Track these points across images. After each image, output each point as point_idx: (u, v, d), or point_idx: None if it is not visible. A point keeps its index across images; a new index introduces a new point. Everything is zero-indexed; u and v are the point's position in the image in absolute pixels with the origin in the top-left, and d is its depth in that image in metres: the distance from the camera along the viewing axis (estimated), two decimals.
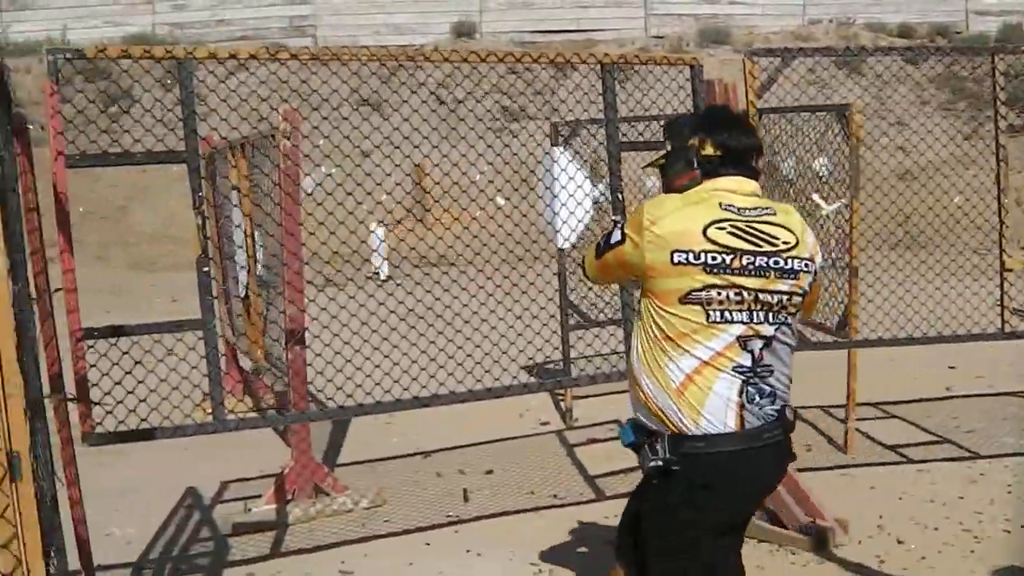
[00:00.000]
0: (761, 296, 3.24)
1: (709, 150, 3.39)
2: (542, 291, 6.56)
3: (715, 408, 3.23)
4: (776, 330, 3.30)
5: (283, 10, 22.09)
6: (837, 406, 7.63)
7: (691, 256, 3.19)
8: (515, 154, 7.05)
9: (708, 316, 3.22)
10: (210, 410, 6.23)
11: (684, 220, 3.24)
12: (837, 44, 21.18)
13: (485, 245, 5.66)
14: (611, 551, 5.52)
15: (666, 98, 5.77)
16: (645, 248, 3.26)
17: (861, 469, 6.86)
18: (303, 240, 5.67)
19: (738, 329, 3.23)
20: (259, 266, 7.31)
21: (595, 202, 7.60)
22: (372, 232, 13.23)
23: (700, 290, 3.20)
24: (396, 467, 7.29)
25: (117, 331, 4.27)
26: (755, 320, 3.25)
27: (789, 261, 3.29)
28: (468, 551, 5.61)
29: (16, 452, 2.69)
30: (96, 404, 4.16)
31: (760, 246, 3.25)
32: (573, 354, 7.83)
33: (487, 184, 5.75)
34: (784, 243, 3.30)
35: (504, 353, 5.73)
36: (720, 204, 3.28)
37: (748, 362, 3.26)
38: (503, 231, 6.04)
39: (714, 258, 3.19)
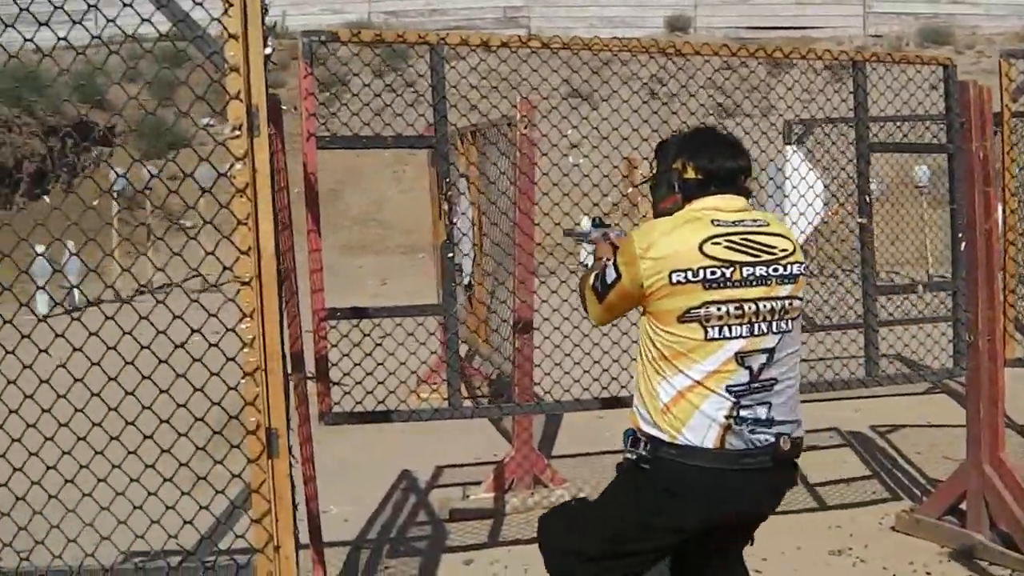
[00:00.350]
0: (762, 305, 3.20)
1: (691, 173, 3.34)
2: None
3: (697, 425, 3.18)
4: (780, 339, 3.25)
5: (497, 0, 22.29)
6: None
7: (690, 274, 3.15)
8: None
9: (707, 333, 3.17)
10: (425, 396, 6.26)
11: (677, 241, 3.20)
12: None
13: None
14: (835, 560, 5.39)
15: (901, 98, 5.52)
16: (643, 276, 3.20)
17: None
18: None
19: (737, 345, 3.18)
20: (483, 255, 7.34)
21: (825, 204, 7.38)
22: (578, 224, 13.04)
23: (698, 307, 3.16)
24: (610, 462, 7.18)
25: (359, 313, 4.32)
26: (756, 332, 3.20)
27: (788, 267, 3.27)
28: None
29: (274, 429, 2.72)
30: (335, 384, 4.21)
31: (759, 256, 3.22)
32: None
33: None
34: (782, 250, 3.27)
35: None
36: (712, 221, 3.24)
37: (744, 379, 3.20)
38: None
39: (713, 273, 3.15)
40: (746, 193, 3.40)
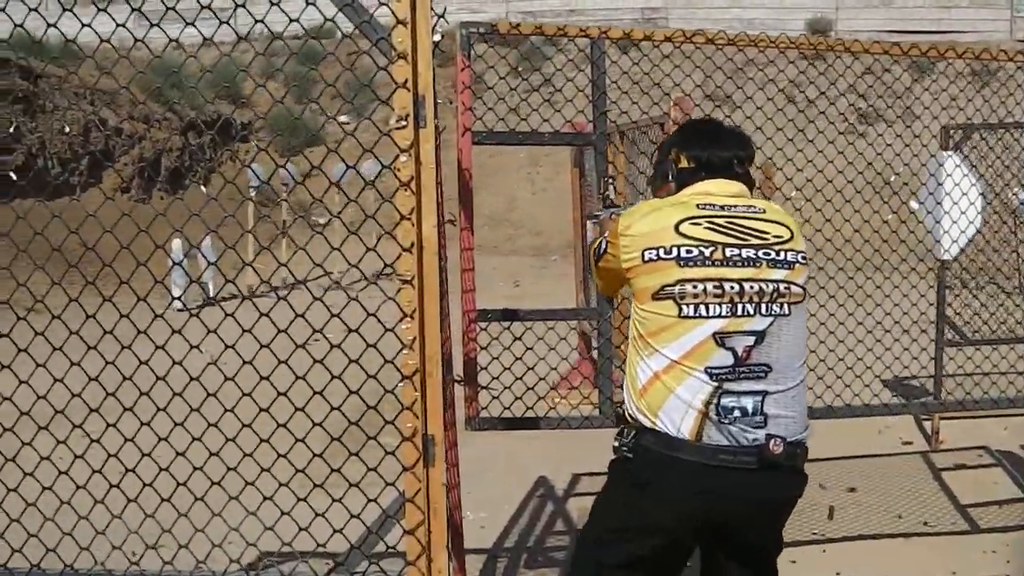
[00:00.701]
0: (748, 286, 3.04)
1: (684, 163, 3.31)
2: (906, 303, 6.01)
3: (672, 409, 3.01)
4: (772, 323, 3.05)
5: (635, 1, 22.10)
6: None
7: (662, 251, 3.06)
8: (878, 155, 6.58)
9: (680, 310, 3.03)
10: (557, 401, 6.09)
11: (656, 220, 3.13)
12: None
13: (839, 250, 5.31)
14: None
15: None
16: (621, 252, 3.15)
17: None
18: None
19: (716, 324, 3.01)
20: None
21: (980, 211, 7.07)
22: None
23: (672, 284, 3.03)
24: None
25: (510, 315, 4.19)
26: (740, 312, 3.03)
27: (782, 253, 3.12)
28: (838, 574, 5.26)
29: (431, 435, 2.59)
30: (483, 388, 4.08)
31: (746, 240, 3.10)
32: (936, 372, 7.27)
33: (844, 184, 5.29)
34: (776, 236, 3.14)
35: (868, 367, 5.33)
36: (697, 204, 3.15)
37: (728, 362, 3.00)
38: (859, 236, 5.61)
39: (688, 251, 3.04)
40: (745, 180, 3.30)
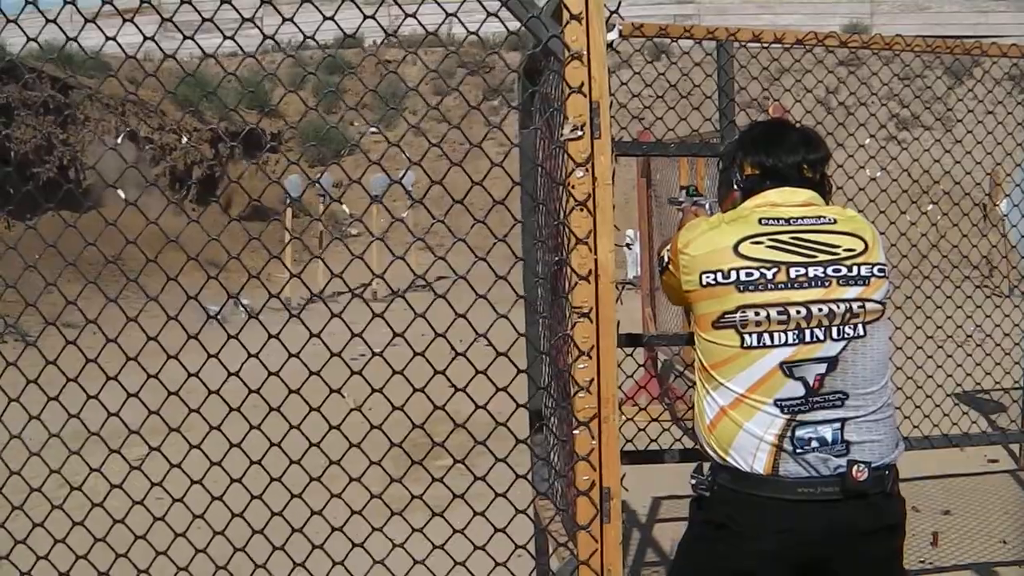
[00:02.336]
0: (816, 309, 2.77)
1: (748, 170, 3.05)
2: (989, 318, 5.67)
3: (743, 446, 2.78)
4: (846, 346, 2.77)
5: (666, 8, 21.86)
6: None
7: (720, 276, 2.82)
8: (915, 161, 6.26)
9: (743, 340, 2.78)
10: (624, 420, 5.77)
11: (714, 240, 2.88)
12: None
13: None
14: None
15: None
16: (680, 272, 2.95)
17: None
18: None
19: (782, 353, 2.76)
20: None
21: None
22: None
23: (732, 312, 2.79)
24: None
25: (635, 340, 3.88)
26: (809, 338, 2.76)
27: (855, 268, 2.83)
28: None
29: (608, 488, 2.27)
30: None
31: (814, 256, 2.82)
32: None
33: (878, 193, 4.99)
34: (847, 250, 2.85)
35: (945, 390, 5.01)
36: (760, 220, 2.89)
37: (799, 392, 2.75)
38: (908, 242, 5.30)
39: (749, 274, 2.79)
40: (816, 186, 3.01)
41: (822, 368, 2.77)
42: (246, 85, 2.48)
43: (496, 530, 2.51)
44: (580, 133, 2.16)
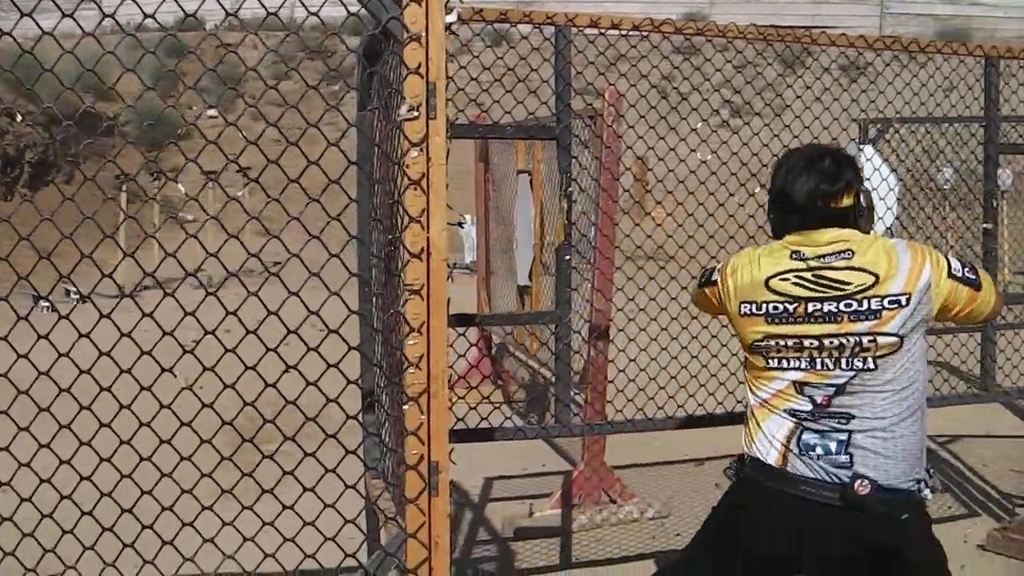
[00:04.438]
0: (828, 342, 3.05)
1: (776, 196, 3.25)
2: None
3: (761, 442, 3.18)
4: (853, 377, 3.03)
5: None
6: None
7: (754, 307, 3.17)
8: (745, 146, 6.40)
9: (767, 363, 3.18)
10: (455, 400, 5.86)
11: (753, 272, 3.21)
12: None
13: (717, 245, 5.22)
14: None
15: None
16: (724, 296, 3.30)
17: None
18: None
19: (794, 375, 3.13)
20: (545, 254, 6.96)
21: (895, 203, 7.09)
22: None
23: (761, 340, 3.16)
24: (668, 473, 6.86)
25: (466, 320, 3.92)
26: (819, 367, 3.08)
27: (865, 302, 3.02)
28: None
29: (435, 461, 2.32)
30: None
31: (826, 292, 3.06)
32: None
33: (708, 175, 5.15)
34: (858, 286, 3.03)
35: None
36: (791, 255, 3.17)
37: (806, 407, 3.10)
38: (744, 231, 5.49)
39: (775, 308, 3.13)
40: (841, 215, 3.14)
41: (830, 391, 3.07)
42: (84, 65, 2.41)
43: (326, 506, 2.53)
44: (416, 113, 2.20)
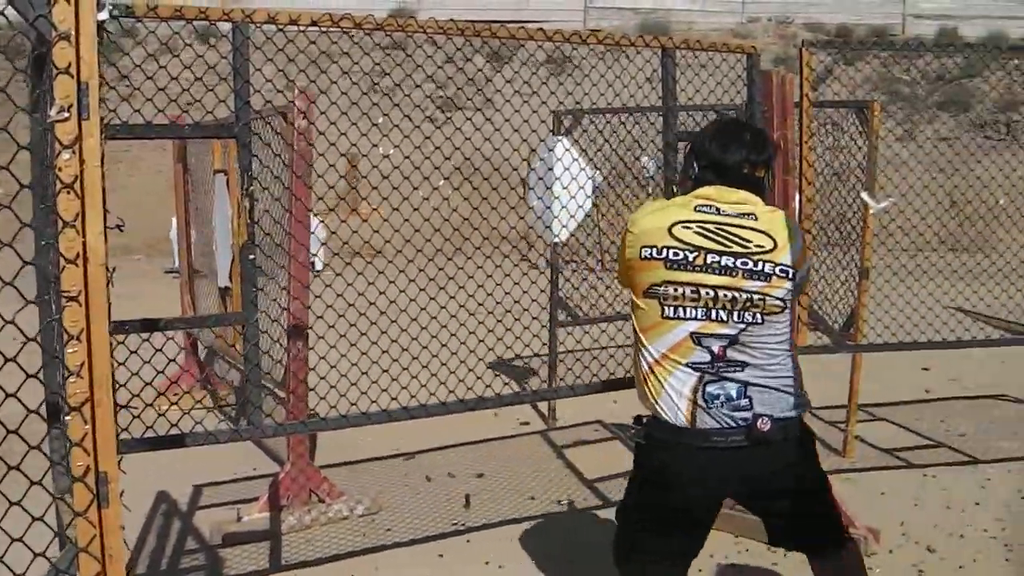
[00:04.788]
0: (723, 293, 3.28)
1: (702, 160, 3.50)
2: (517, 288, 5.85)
3: (667, 400, 3.35)
4: (743, 330, 3.31)
5: None
6: (825, 407, 7.54)
7: (655, 251, 3.31)
8: (452, 139, 6.51)
9: (663, 311, 3.32)
10: (167, 407, 5.74)
11: (656, 220, 3.37)
12: (776, 43, 21.20)
13: (428, 239, 5.33)
14: None
15: (711, 86, 5.42)
16: (627, 246, 3.42)
17: (863, 474, 6.67)
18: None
19: (692, 325, 3.31)
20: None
21: (590, 194, 7.36)
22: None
23: (659, 285, 3.31)
24: (378, 469, 6.87)
25: (150, 325, 3.80)
26: (714, 317, 3.30)
27: (760, 264, 3.30)
28: (487, 563, 5.22)
29: (104, 472, 2.26)
30: (122, 407, 3.66)
31: (728, 246, 3.30)
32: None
33: (412, 171, 5.25)
34: (757, 246, 3.32)
35: (472, 352, 5.15)
36: (696, 207, 3.39)
37: (705, 358, 3.31)
38: (450, 224, 5.63)
39: (675, 254, 3.29)
40: (753, 185, 3.46)
41: (724, 342, 3.30)
42: None
43: (36, 520, 2.38)
44: (67, 115, 2.14)
